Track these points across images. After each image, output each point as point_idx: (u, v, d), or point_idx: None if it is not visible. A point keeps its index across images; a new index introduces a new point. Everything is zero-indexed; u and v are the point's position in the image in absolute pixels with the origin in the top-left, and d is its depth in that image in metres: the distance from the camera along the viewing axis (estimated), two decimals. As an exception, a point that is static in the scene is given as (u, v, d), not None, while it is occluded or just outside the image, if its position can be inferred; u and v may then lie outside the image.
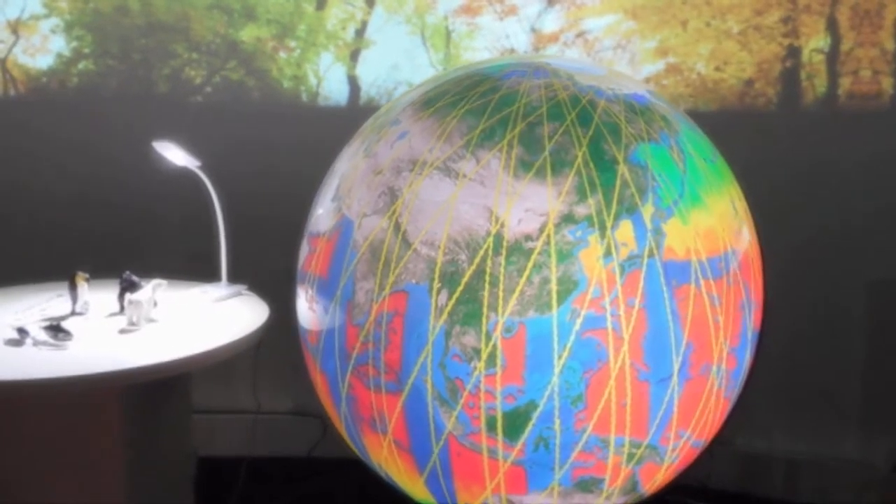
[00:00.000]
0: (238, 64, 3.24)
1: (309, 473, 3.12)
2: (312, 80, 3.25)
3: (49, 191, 3.21)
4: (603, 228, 1.60)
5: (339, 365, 1.79)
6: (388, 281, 1.67)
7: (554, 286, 1.58)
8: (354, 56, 3.24)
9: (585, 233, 1.60)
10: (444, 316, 1.62)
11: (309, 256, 1.90)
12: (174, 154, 2.51)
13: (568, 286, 1.58)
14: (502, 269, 1.59)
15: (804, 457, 3.06)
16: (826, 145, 2.97)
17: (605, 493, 1.76)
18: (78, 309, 2.36)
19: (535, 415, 1.62)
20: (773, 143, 3.01)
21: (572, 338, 1.58)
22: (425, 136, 1.75)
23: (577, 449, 1.65)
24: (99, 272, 2.43)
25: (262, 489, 2.97)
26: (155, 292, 2.29)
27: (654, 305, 1.61)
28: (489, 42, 3.18)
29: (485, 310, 1.59)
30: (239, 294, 2.57)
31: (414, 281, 1.64)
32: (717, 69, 3.04)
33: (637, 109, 1.78)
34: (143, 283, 2.32)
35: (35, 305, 2.39)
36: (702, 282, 1.67)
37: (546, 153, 1.65)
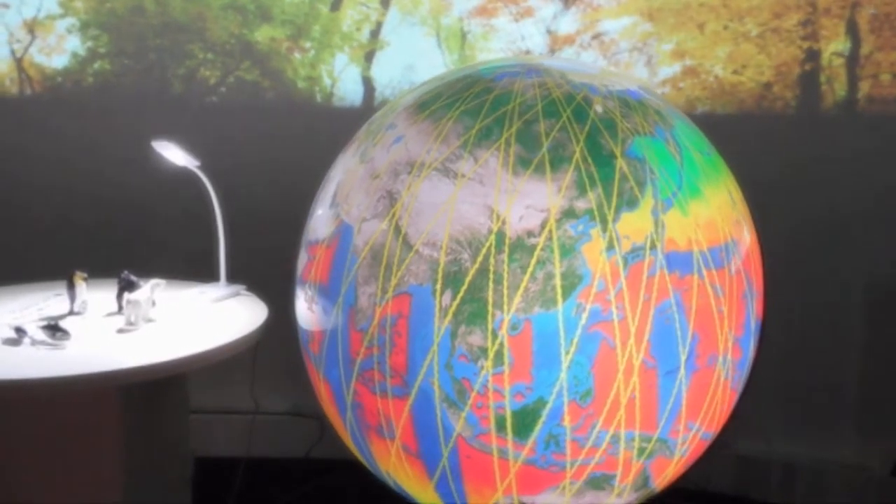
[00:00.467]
0: (252, 64, 3.23)
1: (307, 474, 3.09)
2: (327, 81, 3.24)
3: (48, 190, 3.18)
4: (604, 222, 1.60)
5: (343, 372, 1.78)
6: (391, 284, 1.66)
7: (558, 281, 1.58)
8: (369, 57, 3.23)
9: (587, 227, 1.60)
10: (449, 316, 1.61)
11: (308, 264, 1.88)
12: (173, 154, 2.50)
13: (572, 281, 1.58)
14: (506, 267, 1.59)
15: (802, 460, 3.05)
16: (845, 149, 2.92)
17: (616, 490, 1.75)
18: (76, 308, 2.33)
19: (545, 412, 1.61)
20: (792, 147, 2.96)
21: (579, 332, 1.58)
22: (422, 139, 1.74)
23: (588, 445, 1.64)
24: (97, 271, 2.40)
25: (260, 490, 2.96)
26: (153, 292, 2.27)
27: (658, 297, 1.61)
28: (505, 44, 3.15)
29: (490, 308, 1.59)
30: (237, 294, 2.55)
31: (417, 283, 1.63)
32: (735, 72, 2.99)
33: (631, 105, 1.79)
34: (141, 282, 2.29)
35: (33, 305, 2.36)
36: (704, 272, 1.67)
37: (544, 149, 1.65)
